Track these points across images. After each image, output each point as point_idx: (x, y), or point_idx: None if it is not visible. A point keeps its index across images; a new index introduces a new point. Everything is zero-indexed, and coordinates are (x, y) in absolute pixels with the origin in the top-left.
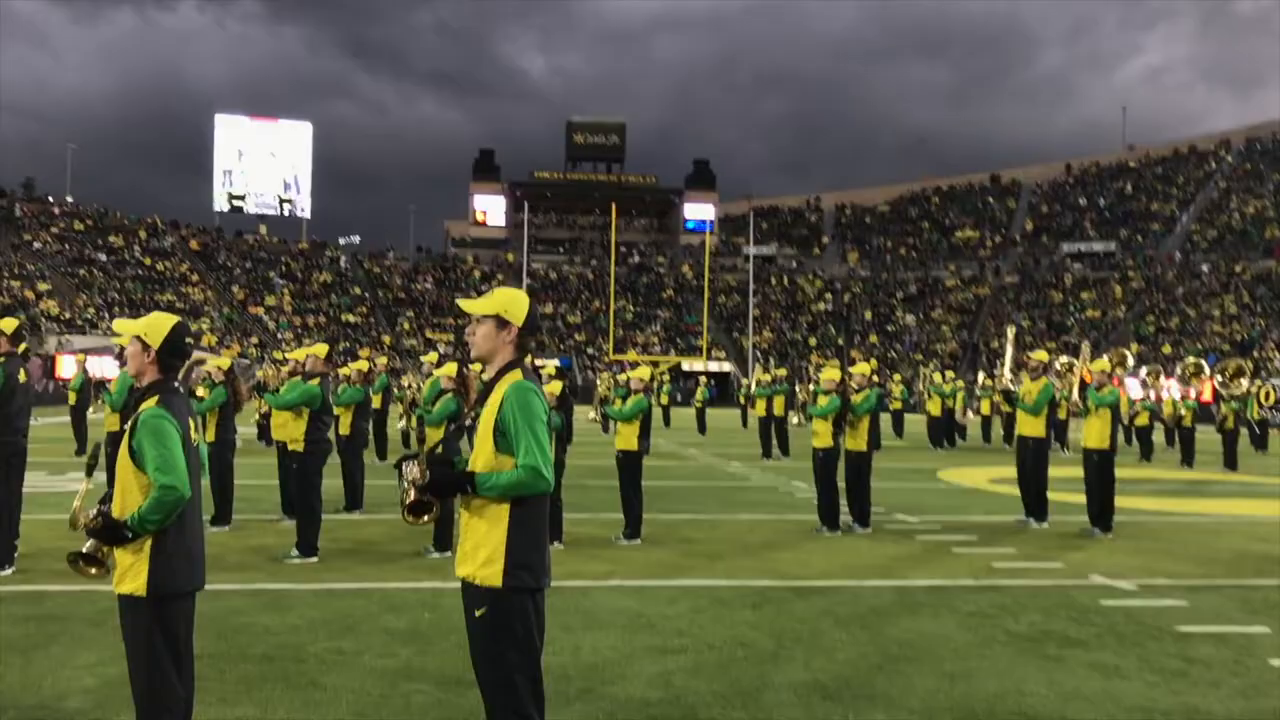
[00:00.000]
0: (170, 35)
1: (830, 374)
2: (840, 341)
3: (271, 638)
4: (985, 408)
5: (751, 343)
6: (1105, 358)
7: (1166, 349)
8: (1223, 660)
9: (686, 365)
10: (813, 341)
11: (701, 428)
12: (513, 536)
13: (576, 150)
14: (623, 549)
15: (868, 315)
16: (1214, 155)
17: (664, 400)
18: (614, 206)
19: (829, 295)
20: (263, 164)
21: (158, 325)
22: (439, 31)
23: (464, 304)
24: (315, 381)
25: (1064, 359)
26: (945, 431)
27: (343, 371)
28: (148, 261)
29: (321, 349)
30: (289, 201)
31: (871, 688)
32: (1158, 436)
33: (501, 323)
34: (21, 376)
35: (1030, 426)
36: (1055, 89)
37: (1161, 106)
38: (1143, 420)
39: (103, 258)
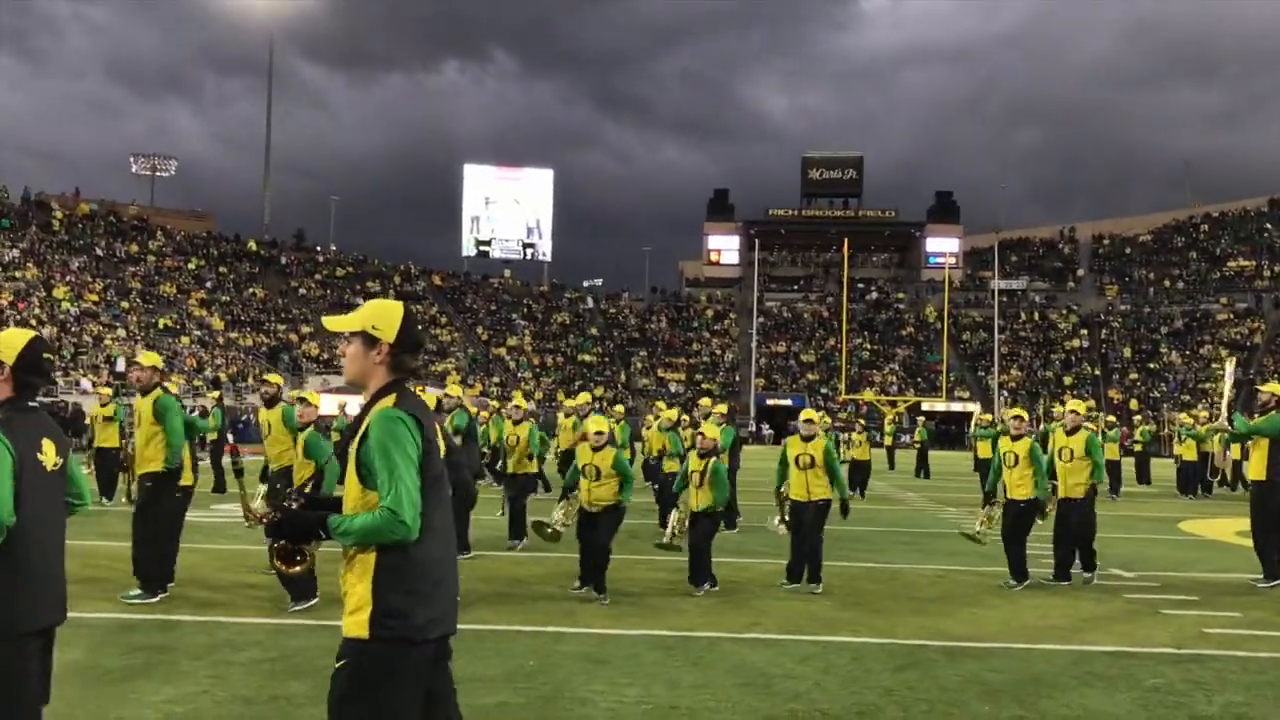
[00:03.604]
0: (434, 95)
1: (1018, 412)
2: (1097, 379)
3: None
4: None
5: (997, 381)
6: None
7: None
8: None
9: (927, 405)
10: (1067, 380)
11: (921, 470)
12: (381, 582)
13: (812, 186)
14: (781, 598)
15: (1127, 352)
16: None
17: (888, 440)
18: (847, 241)
19: (1084, 331)
20: (507, 210)
21: (11, 341)
22: (683, 79)
23: (329, 321)
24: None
25: None
26: (1198, 478)
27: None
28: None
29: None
30: (531, 246)
31: None
32: None
33: (370, 340)
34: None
35: (1254, 469)
36: None
37: None
38: None
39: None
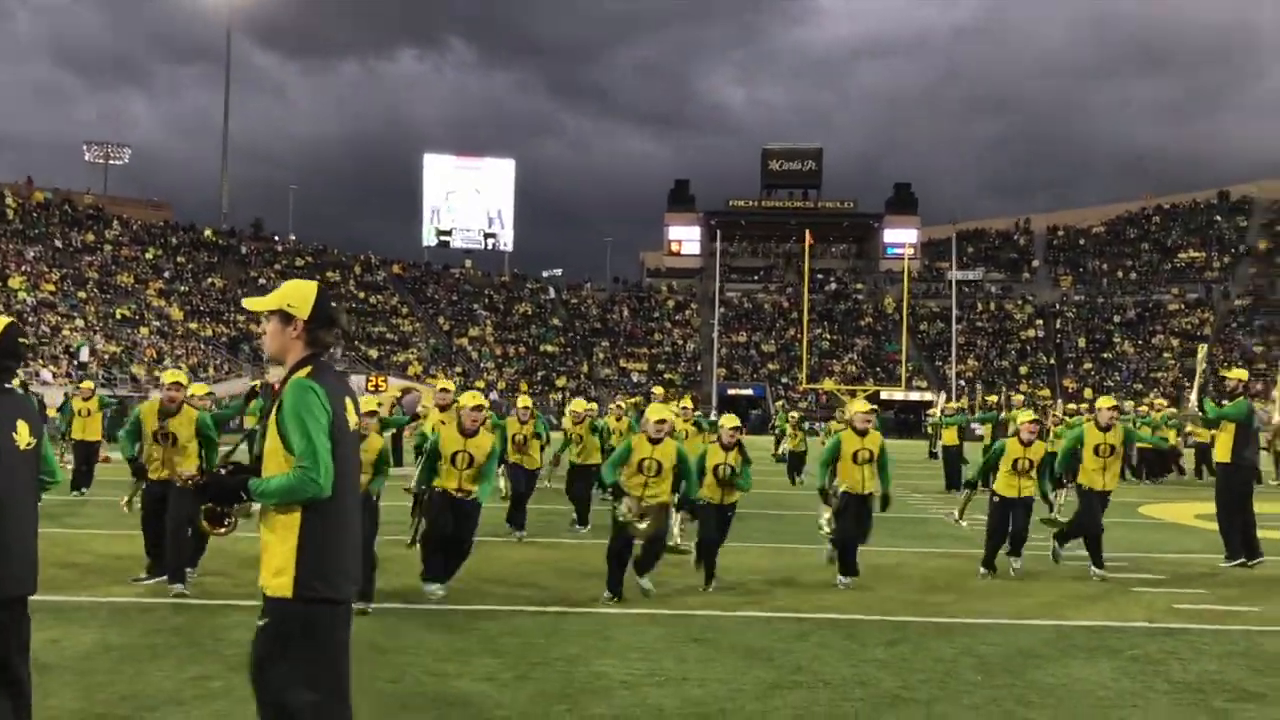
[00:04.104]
0: (391, 84)
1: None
2: (1053, 368)
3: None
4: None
5: (955, 371)
6: None
7: None
8: None
9: (886, 394)
10: (1023, 370)
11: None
12: (304, 544)
13: (772, 178)
14: (767, 578)
15: (1081, 342)
16: None
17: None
18: (808, 233)
19: (1040, 321)
20: (468, 201)
21: None
22: (641, 70)
23: (248, 302)
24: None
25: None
26: (1157, 464)
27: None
28: (361, 295)
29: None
30: (492, 236)
31: None
32: None
33: (286, 317)
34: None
35: (1220, 452)
36: None
37: None
38: None
39: None
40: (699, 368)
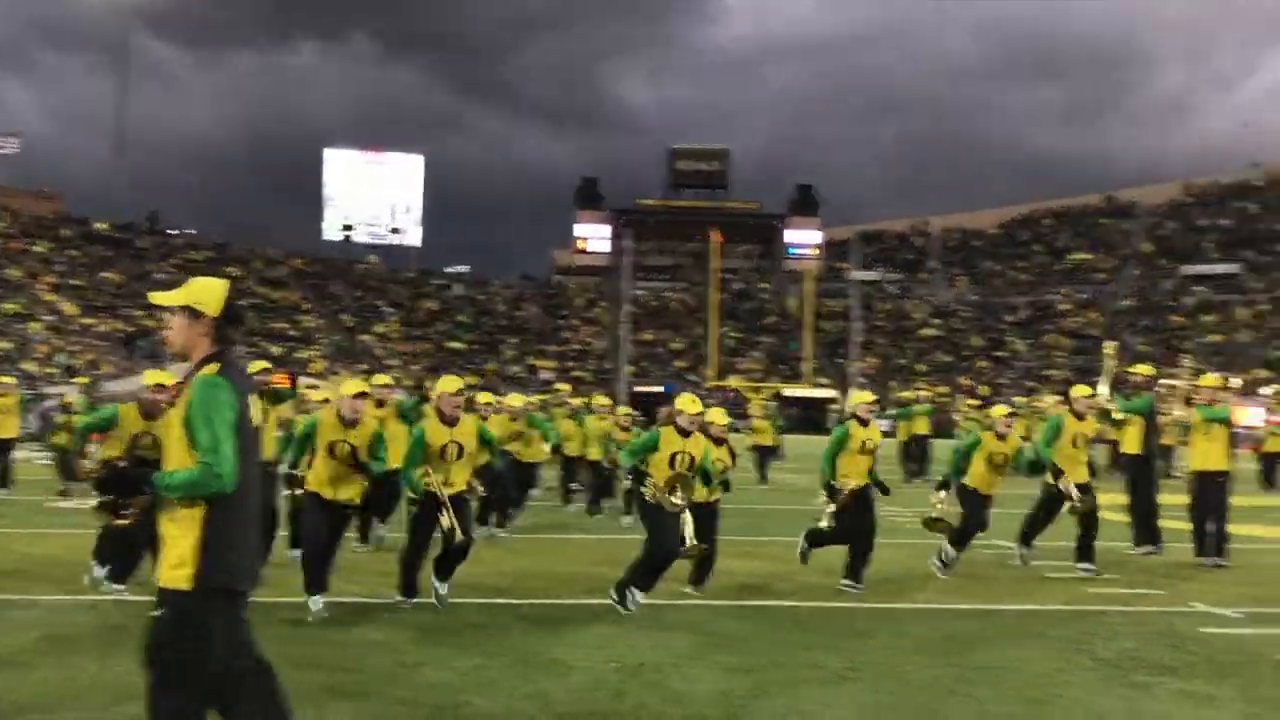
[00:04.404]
0: (291, 75)
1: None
2: (949, 366)
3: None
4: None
5: (856, 368)
6: (1213, 375)
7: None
8: None
9: (789, 391)
10: (920, 368)
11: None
12: (207, 538)
13: (680, 177)
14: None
15: (976, 341)
16: None
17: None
18: (716, 233)
19: (937, 320)
20: (372, 195)
21: None
22: (548, 68)
23: (154, 297)
24: None
25: (1164, 382)
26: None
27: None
28: (263, 290)
29: None
30: (398, 231)
31: (941, 713)
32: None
33: (193, 314)
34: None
35: (1128, 445)
36: (1173, 109)
37: None
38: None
39: None
40: (608, 365)
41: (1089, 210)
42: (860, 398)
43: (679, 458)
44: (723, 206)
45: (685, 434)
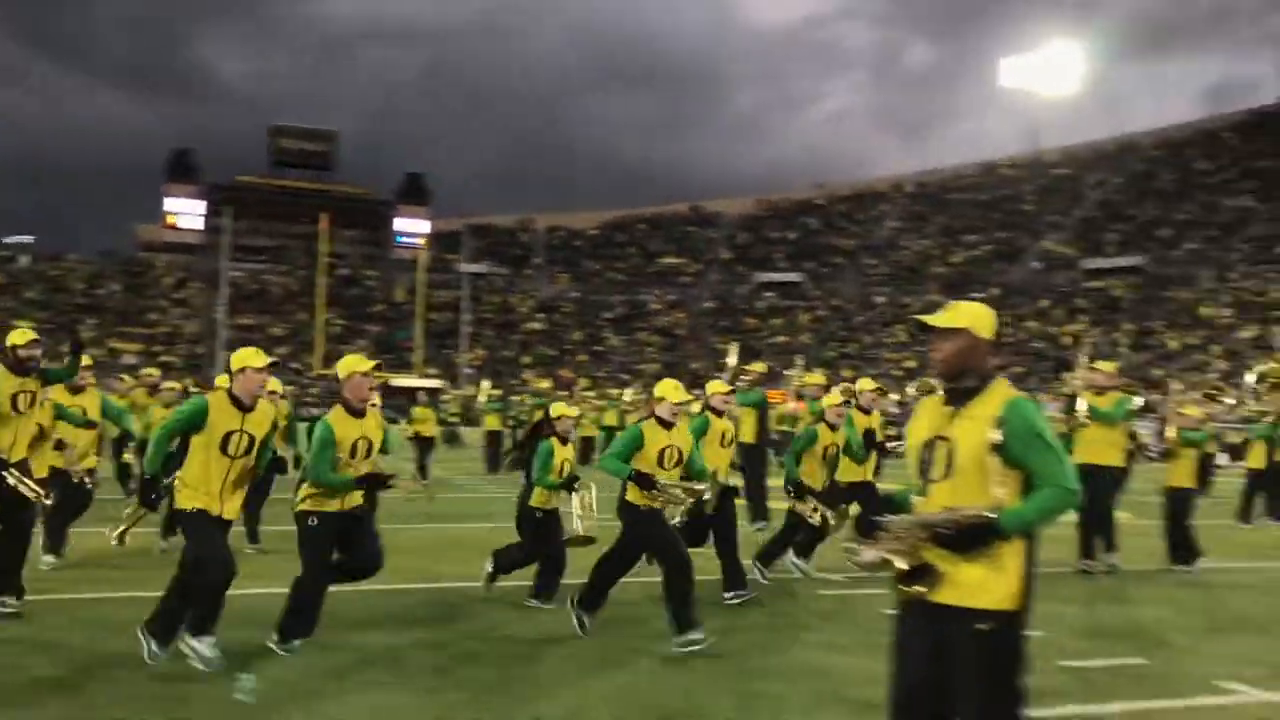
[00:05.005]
0: None
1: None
2: (553, 359)
3: None
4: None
5: (464, 360)
6: (1107, 362)
7: (849, 373)
8: None
9: (397, 382)
10: (526, 360)
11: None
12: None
13: (283, 155)
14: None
15: (577, 336)
16: (888, 197)
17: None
18: (323, 215)
19: (541, 315)
20: None
21: None
22: (128, 25)
23: None
24: None
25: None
26: None
27: None
28: None
29: None
30: None
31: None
32: None
33: None
34: None
35: (745, 434)
36: (750, 127)
37: (844, 149)
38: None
39: None
40: (200, 350)
41: (677, 218)
42: (716, 387)
43: (668, 452)
44: (330, 189)
45: (668, 425)
